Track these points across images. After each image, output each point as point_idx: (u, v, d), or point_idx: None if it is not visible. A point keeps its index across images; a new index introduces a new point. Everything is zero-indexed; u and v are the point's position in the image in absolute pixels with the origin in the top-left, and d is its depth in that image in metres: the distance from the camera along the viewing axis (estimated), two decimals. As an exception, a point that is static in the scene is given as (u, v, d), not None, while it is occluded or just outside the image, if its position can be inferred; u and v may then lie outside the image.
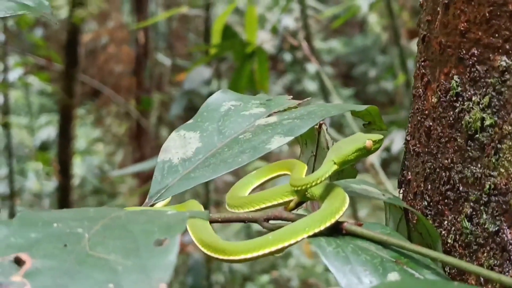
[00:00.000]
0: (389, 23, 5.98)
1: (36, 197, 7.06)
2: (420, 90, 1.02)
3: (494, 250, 0.89)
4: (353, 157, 0.93)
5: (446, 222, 0.96)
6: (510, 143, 0.87)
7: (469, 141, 0.91)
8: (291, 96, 1.09)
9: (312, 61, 3.48)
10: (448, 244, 0.95)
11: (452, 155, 0.94)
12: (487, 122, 0.89)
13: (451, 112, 0.94)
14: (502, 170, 0.88)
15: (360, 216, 4.91)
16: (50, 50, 6.26)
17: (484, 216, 0.90)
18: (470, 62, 0.91)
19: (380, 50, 10.17)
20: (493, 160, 0.89)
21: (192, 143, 1.00)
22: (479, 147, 0.90)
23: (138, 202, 5.63)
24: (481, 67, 0.90)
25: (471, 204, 0.91)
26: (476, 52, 0.90)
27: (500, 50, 0.87)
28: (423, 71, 1.01)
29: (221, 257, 0.86)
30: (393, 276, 0.82)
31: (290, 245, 0.86)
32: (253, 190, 1.05)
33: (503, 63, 0.87)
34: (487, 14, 0.88)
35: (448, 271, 0.95)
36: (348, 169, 1.04)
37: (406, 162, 1.06)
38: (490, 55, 0.88)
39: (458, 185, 0.93)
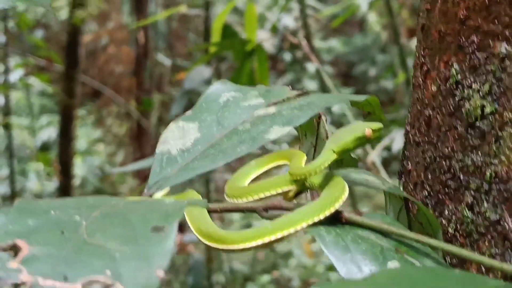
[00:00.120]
0: (388, 22, 5.97)
1: (37, 197, 7.06)
2: (420, 79, 1.01)
3: (496, 239, 0.88)
4: (353, 146, 0.92)
5: (446, 211, 0.95)
6: (510, 130, 0.86)
7: (469, 129, 0.91)
8: (290, 87, 1.08)
9: (312, 60, 3.47)
10: (449, 234, 0.94)
11: (453, 143, 0.93)
12: (488, 110, 0.88)
13: (451, 101, 0.93)
14: (503, 157, 0.87)
15: (361, 214, 4.88)
16: (51, 51, 6.25)
17: (485, 204, 0.89)
18: (470, 50, 0.90)
19: (380, 49, 10.17)
20: (494, 148, 0.88)
21: (191, 134, 0.99)
22: (479, 135, 0.90)
23: (138, 201, 5.60)
24: (481, 54, 0.89)
25: (472, 192, 0.91)
26: (475, 39, 0.90)
27: (500, 37, 0.87)
28: (423, 60, 1.00)
29: (220, 246, 0.85)
30: (393, 265, 0.82)
31: (290, 234, 0.85)
32: (253, 180, 1.04)
33: (503, 50, 0.86)
34: (487, 1, 0.88)
35: (449, 260, 0.94)
36: (348, 159, 1.03)
37: (406, 152, 1.05)
38: (490, 42, 0.88)
39: (458, 173, 0.93)
